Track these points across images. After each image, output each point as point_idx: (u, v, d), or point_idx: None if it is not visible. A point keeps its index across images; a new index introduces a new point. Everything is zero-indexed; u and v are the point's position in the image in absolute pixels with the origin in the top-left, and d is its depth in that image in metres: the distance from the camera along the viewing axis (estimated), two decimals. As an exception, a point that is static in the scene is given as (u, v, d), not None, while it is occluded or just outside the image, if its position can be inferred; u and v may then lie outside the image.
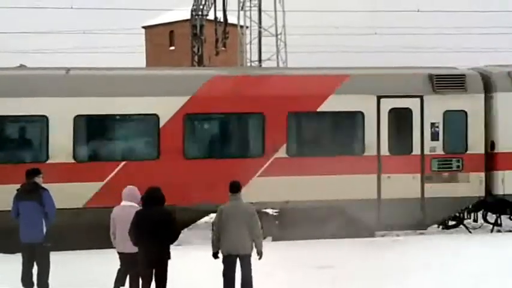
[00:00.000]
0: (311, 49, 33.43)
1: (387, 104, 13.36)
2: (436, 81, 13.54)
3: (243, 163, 12.83)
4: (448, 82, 13.64)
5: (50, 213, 8.90)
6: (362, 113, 13.27)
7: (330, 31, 43.27)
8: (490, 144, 13.68)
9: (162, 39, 53.60)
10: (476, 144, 13.59)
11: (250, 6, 28.52)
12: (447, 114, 13.54)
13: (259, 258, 8.33)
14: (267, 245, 8.93)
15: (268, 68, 15.62)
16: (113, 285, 8.76)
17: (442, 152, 13.45)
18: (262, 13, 28.53)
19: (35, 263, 8.95)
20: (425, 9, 33.23)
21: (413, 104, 13.47)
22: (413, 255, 11.04)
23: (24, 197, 8.90)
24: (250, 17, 28.62)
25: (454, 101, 13.56)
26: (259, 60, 28.63)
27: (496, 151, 13.63)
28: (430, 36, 42.28)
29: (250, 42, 29.14)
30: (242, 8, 28.48)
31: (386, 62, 19.41)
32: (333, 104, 13.18)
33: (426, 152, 13.38)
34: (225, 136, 13.79)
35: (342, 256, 10.99)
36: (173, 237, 8.01)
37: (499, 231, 14.34)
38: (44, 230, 8.86)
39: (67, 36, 56.52)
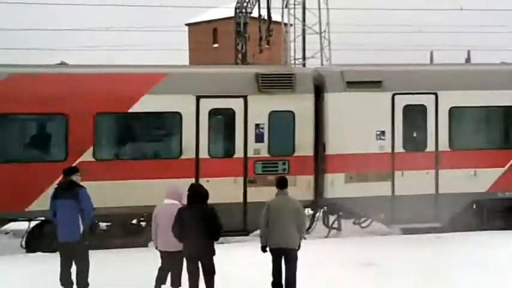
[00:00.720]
0: (356, 47, 32.98)
1: (207, 105, 12.67)
2: (262, 80, 12.88)
3: (42, 168, 11.93)
4: (274, 82, 12.96)
5: (87, 211, 8.88)
6: (180, 114, 12.60)
7: (374, 29, 42.60)
8: (322, 146, 13.11)
9: (205, 37, 53.93)
10: (304, 146, 12.99)
11: (294, 4, 28.33)
12: (273, 115, 12.92)
13: (297, 250, 8.62)
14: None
15: (76, 66, 14.40)
16: (153, 284, 8.71)
17: (267, 155, 12.83)
18: (306, 11, 28.25)
19: (73, 263, 8.94)
20: (467, 8, 32.32)
21: (236, 104, 12.81)
22: (460, 252, 10.94)
23: (60, 195, 8.90)
24: (294, 15, 28.42)
25: (281, 101, 12.94)
26: (304, 58, 28.39)
27: (326, 153, 13.07)
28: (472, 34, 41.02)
29: (294, 39, 28.92)
30: (286, 5, 28.27)
31: (426, 59, 18.89)
32: (147, 104, 12.44)
33: (250, 154, 12.77)
34: (23, 139, 12.75)
35: (385, 253, 10.94)
36: (216, 234, 8.19)
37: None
38: (81, 228, 8.82)
39: (106, 33, 57.18)
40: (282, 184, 8.77)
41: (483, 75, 14.00)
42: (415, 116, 13.48)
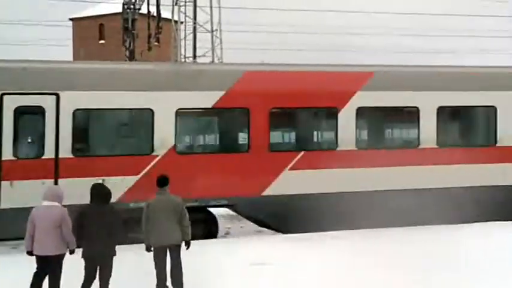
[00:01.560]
0: (248, 46, 33.05)
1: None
2: None
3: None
4: None
5: None
6: None
7: (268, 29, 43.09)
8: None
9: (91, 32, 51.84)
10: None
11: (185, 1, 27.77)
12: None
13: (187, 248, 8.54)
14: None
15: None
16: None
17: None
18: (198, 9, 27.84)
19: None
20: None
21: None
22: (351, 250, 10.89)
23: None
24: (185, 12, 27.88)
25: None
26: (194, 56, 27.91)
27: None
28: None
29: (185, 37, 28.38)
30: (176, 3, 27.67)
31: (327, 60, 19.17)
32: None
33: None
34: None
35: (275, 252, 10.77)
36: (120, 234, 8.16)
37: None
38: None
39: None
40: (161, 182, 8.65)
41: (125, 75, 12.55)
42: (30, 119, 11.87)
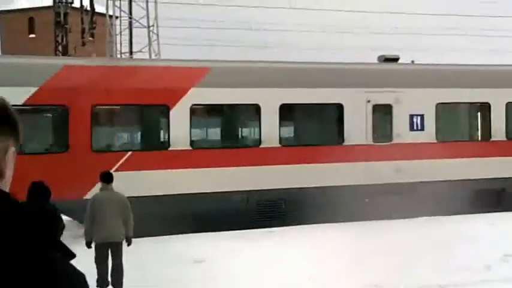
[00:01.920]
0: (187, 42, 32.81)
1: None
2: None
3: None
4: None
5: None
6: None
7: (206, 25, 42.85)
8: None
9: (20, 26, 49.92)
10: None
11: (120, -4, 27.27)
12: None
13: (128, 245, 8.51)
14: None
15: None
16: None
17: None
18: (134, 3, 27.41)
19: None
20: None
21: None
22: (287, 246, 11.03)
23: None
24: (120, 7, 27.37)
25: None
26: (130, 52, 27.50)
27: None
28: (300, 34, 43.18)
29: (120, 33, 27.89)
30: (109, -2, 27.14)
31: (260, 57, 19.38)
32: None
33: None
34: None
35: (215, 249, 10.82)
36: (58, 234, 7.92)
37: None
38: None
39: None
40: (106, 178, 8.66)
41: None
42: None
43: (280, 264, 9.81)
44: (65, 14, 30.45)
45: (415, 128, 14.30)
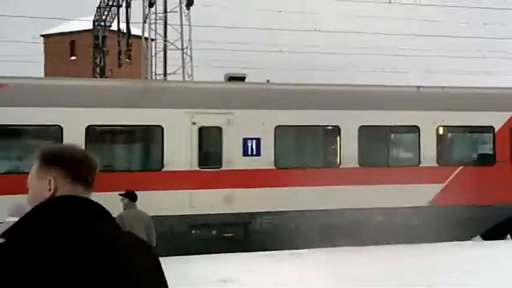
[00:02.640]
0: (217, 64, 33.39)
1: None
2: None
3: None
4: None
5: None
6: None
7: (236, 47, 43.57)
8: None
9: (62, 49, 51.65)
10: None
11: (156, 19, 28.01)
12: None
13: None
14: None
15: None
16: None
17: None
18: (169, 26, 28.13)
19: None
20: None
21: None
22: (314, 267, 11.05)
23: None
24: (156, 30, 28.11)
25: None
26: (165, 74, 28.14)
27: None
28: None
29: (155, 55, 28.60)
30: (145, 20, 27.92)
31: (289, 79, 19.59)
32: None
33: None
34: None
35: (242, 269, 10.90)
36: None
37: None
38: None
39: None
40: (133, 197, 9.01)
41: None
42: None
43: (304, 285, 9.90)
44: (103, 37, 31.40)
45: (249, 153, 12.95)
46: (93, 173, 2.17)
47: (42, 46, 53.67)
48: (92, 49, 32.37)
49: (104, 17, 30.78)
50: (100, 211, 2.10)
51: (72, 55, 52.38)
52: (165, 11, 28.02)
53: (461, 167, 14.35)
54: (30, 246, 1.93)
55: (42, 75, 48.05)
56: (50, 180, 2.10)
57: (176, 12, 27.77)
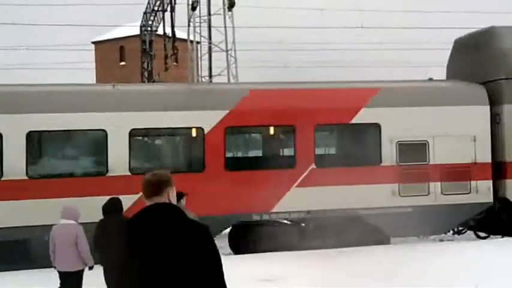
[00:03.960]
0: (262, 64, 33.66)
1: None
2: None
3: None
4: None
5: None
6: None
7: (279, 47, 43.78)
8: None
9: (112, 55, 53.09)
10: None
11: (200, 22, 28.50)
12: None
13: None
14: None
15: None
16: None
17: None
18: (213, 28, 28.56)
19: None
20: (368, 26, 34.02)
21: None
22: (360, 265, 11.13)
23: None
24: (200, 33, 28.59)
25: None
26: (210, 76, 28.60)
27: None
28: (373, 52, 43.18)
29: (200, 57, 29.07)
30: (189, 24, 28.43)
31: (333, 77, 19.63)
32: None
33: None
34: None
35: (284, 268, 11.00)
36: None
37: None
38: None
39: (8, 52, 55.45)
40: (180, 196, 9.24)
41: None
42: None
43: (347, 284, 9.93)
44: (150, 42, 32.10)
45: None
46: (150, 189, 3.54)
47: (93, 53, 55.33)
48: (140, 54, 33.15)
49: (150, 22, 31.48)
50: (162, 209, 3.46)
51: (121, 60, 53.74)
52: (209, 14, 28.47)
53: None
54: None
55: (94, 81, 49.52)
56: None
57: (220, 14, 28.17)
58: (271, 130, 14.10)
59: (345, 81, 15.09)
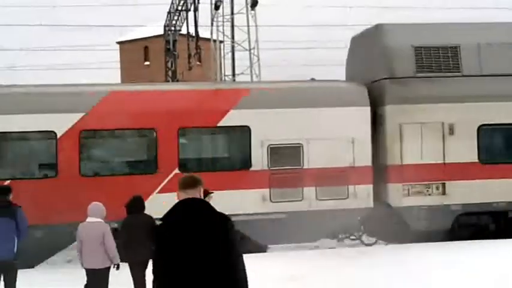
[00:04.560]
0: (285, 63, 33.67)
1: None
2: None
3: None
4: None
5: (22, 230, 8.71)
6: None
7: (302, 45, 43.66)
8: None
9: (136, 55, 53.60)
10: None
11: (223, 21, 28.61)
12: None
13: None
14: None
15: None
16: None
17: None
18: (236, 27, 28.65)
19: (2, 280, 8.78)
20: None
21: None
22: (383, 265, 11.10)
23: None
24: (223, 32, 28.71)
25: None
26: (233, 74, 28.70)
27: None
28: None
29: (224, 56, 29.19)
30: (212, 23, 28.55)
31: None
32: None
33: None
34: None
35: (311, 267, 11.04)
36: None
37: None
38: (15, 247, 8.64)
39: (38, 53, 56.35)
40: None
41: None
42: None
43: (373, 283, 9.95)
44: (174, 41, 32.30)
45: None
46: (187, 183, 4.47)
47: (118, 53, 55.93)
48: (164, 54, 33.37)
49: (174, 22, 31.67)
50: (195, 203, 4.36)
51: (145, 60, 54.19)
52: (232, 13, 28.55)
53: (18, 180, 12.18)
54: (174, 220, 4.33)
55: (119, 81, 50.03)
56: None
57: (243, 13, 28.25)
58: (131, 133, 13.59)
59: (217, 83, 14.62)
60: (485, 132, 14.07)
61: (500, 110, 14.05)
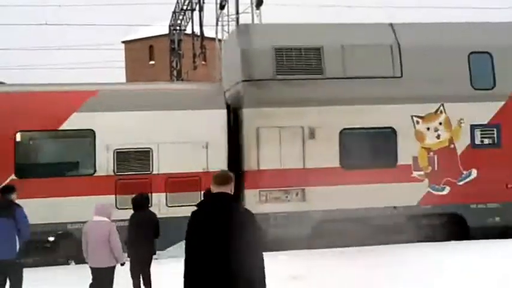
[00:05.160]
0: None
1: None
2: None
3: None
4: None
5: (23, 230, 8.84)
6: None
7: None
8: None
9: (141, 54, 53.78)
10: None
11: (228, 21, 28.66)
12: None
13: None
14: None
15: None
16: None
17: None
18: (240, 27, 28.67)
19: (7, 279, 8.88)
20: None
21: None
22: (389, 265, 11.17)
23: None
24: (228, 31, 28.76)
25: None
26: (237, 74, 28.73)
27: None
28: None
29: (228, 56, 29.23)
30: (217, 22, 28.60)
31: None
32: None
33: None
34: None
35: (314, 266, 11.12)
36: (158, 234, 9.58)
37: None
38: (17, 247, 8.75)
39: (42, 52, 56.53)
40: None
41: None
42: None
43: (373, 283, 9.99)
44: (179, 41, 32.44)
45: None
46: (220, 180, 4.92)
47: (123, 52, 56.14)
48: (169, 53, 33.52)
49: (179, 21, 31.81)
50: (223, 197, 4.84)
51: (150, 59, 54.36)
52: (237, 12, 28.60)
53: None
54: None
55: (124, 80, 50.24)
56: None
57: (248, 12, 28.29)
58: None
59: (59, 84, 13.83)
60: (347, 136, 13.63)
61: (363, 114, 13.61)
